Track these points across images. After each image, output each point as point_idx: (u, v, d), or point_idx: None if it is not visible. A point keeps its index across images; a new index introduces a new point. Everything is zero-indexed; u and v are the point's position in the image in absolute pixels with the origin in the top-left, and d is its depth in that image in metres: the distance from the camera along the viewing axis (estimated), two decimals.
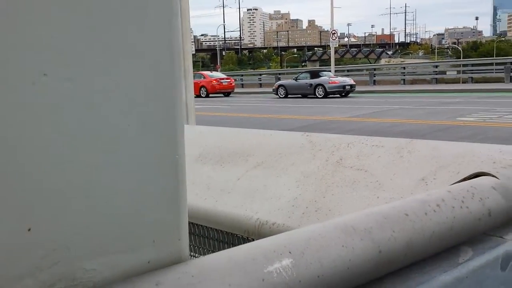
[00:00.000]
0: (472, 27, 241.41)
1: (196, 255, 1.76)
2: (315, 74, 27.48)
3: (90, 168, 0.54)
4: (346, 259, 0.71)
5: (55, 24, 0.51)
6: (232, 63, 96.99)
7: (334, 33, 30.51)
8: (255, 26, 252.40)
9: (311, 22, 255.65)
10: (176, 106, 0.61)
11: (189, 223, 1.78)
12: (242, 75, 43.59)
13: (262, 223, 1.52)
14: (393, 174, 1.44)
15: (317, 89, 26.02)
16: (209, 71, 36.39)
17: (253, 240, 1.69)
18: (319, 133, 1.82)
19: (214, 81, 30.68)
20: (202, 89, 30.44)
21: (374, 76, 33.61)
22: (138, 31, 0.57)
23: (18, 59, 0.49)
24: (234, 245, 1.73)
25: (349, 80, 26.46)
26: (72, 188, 0.53)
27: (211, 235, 1.74)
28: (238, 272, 0.60)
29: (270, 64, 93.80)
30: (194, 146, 2.01)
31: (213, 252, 1.86)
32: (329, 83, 25.64)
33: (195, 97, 5.10)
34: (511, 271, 0.94)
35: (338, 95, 25.99)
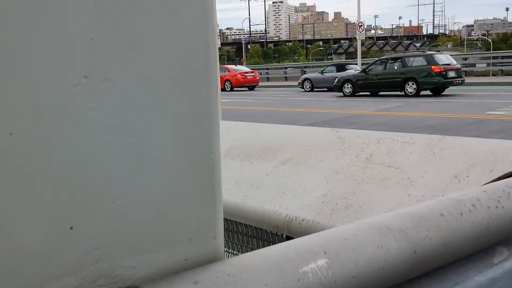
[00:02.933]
0: (502, 18, 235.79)
1: (226, 249, 1.77)
2: (341, 67, 27.23)
3: (129, 167, 0.55)
4: (381, 260, 0.70)
5: (93, 28, 0.51)
6: (257, 57, 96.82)
7: (361, 25, 30.15)
8: (280, 19, 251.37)
9: (337, 15, 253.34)
10: (211, 104, 0.62)
11: None
12: (267, 69, 43.42)
13: (292, 219, 1.52)
14: (424, 171, 1.42)
15: None
16: (233, 65, 36.41)
17: (282, 235, 1.70)
18: (348, 129, 1.81)
19: (239, 75, 30.66)
20: (227, 83, 30.45)
21: None
22: (174, 31, 0.58)
23: (60, 64, 0.50)
24: (262, 240, 1.73)
25: None
26: (111, 187, 0.54)
27: (239, 230, 1.75)
28: (274, 272, 0.60)
29: (296, 57, 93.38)
30: (223, 142, 2.02)
31: (241, 246, 1.88)
32: None
33: None
34: None
35: None
